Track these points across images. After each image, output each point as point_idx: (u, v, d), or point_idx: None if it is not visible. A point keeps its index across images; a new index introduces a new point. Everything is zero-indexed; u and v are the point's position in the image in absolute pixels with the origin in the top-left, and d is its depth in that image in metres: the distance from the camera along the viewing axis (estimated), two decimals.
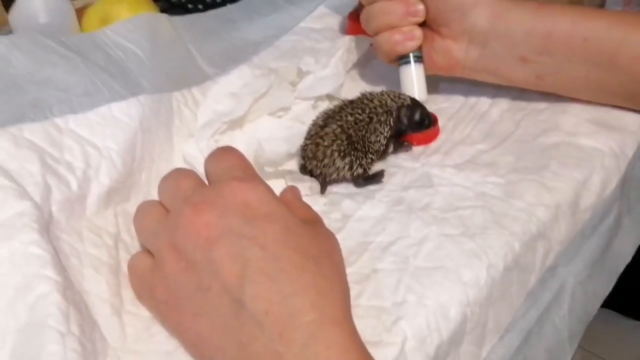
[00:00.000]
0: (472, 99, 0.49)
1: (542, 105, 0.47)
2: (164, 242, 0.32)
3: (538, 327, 0.38)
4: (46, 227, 0.34)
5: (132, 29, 0.47)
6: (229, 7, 0.57)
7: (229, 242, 0.30)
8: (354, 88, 0.49)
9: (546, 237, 0.39)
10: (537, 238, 0.38)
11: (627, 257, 0.41)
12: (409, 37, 0.45)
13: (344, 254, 0.36)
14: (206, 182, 0.35)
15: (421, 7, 0.44)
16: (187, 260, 0.30)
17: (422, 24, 0.45)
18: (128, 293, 0.34)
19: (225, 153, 0.35)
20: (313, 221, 0.34)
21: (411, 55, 0.45)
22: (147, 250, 0.34)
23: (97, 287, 0.34)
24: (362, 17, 0.47)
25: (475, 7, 0.43)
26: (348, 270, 0.36)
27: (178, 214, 0.32)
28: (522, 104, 0.47)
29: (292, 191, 0.38)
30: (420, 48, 0.45)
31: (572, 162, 0.42)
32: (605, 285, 0.40)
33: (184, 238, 0.31)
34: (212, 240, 0.30)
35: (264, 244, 0.29)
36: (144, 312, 0.34)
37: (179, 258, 0.31)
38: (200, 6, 0.58)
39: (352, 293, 0.34)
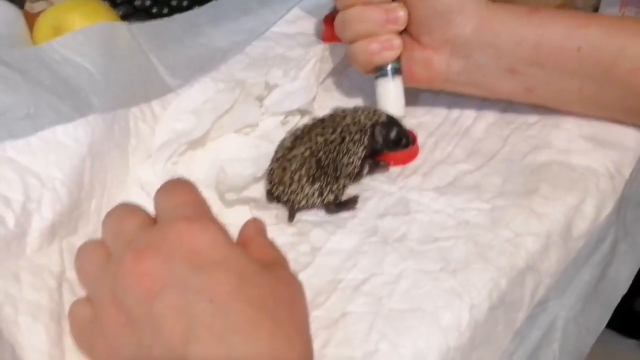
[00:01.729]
0: (456, 112, 0.45)
1: (531, 118, 0.43)
2: (103, 291, 0.29)
3: None
4: None
5: (83, 41, 0.42)
6: (196, 11, 0.52)
7: (172, 294, 0.26)
8: (327, 99, 0.46)
9: (535, 269, 0.35)
10: (526, 272, 0.35)
11: (624, 286, 0.37)
12: (387, 47, 0.40)
13: (312, 294, 0.33)
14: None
15: (402, 13, 0.40)
16: (128, 313, 0.27)
17: (402, 32, 0.41)
18: (70, 341, 0.31)
19: (176, 187, 0.32)
20: (275, 263, 0.31)
21: (389, 67, 0.41)
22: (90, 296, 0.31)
23: (34, 338, 0.30)
24: (337, 23, 0.42)
25: (461, 14, 0.38)
26: (315, 313, 0.32)
27: (119, 260, 0.28)
28: (510, 117, 0.43)
29: (255, 225, 0.34)
30: (399, 59, 0.41)
31: (564, 184, 0.38)
32: (599, 319, 0.36)
33: (124, 289, 0.27)
34: (155, 293, 0.26)
35: (212, 297, 0.26)
36: None
37: (119, 311, 0.28)
38: (165, 10, 0.53)
39: (319, 341, 0.31)
